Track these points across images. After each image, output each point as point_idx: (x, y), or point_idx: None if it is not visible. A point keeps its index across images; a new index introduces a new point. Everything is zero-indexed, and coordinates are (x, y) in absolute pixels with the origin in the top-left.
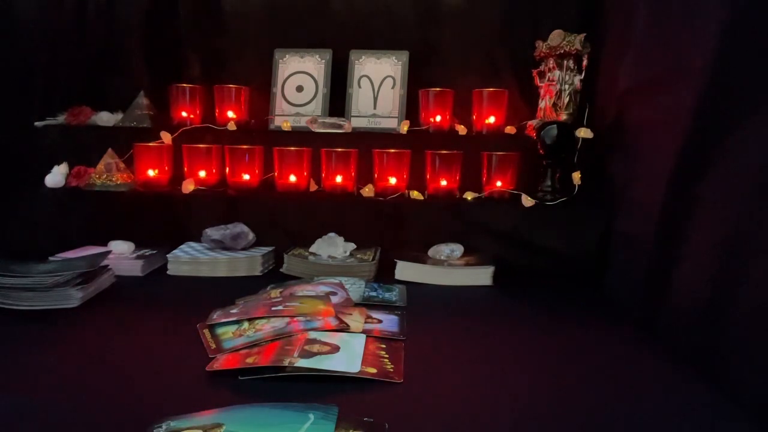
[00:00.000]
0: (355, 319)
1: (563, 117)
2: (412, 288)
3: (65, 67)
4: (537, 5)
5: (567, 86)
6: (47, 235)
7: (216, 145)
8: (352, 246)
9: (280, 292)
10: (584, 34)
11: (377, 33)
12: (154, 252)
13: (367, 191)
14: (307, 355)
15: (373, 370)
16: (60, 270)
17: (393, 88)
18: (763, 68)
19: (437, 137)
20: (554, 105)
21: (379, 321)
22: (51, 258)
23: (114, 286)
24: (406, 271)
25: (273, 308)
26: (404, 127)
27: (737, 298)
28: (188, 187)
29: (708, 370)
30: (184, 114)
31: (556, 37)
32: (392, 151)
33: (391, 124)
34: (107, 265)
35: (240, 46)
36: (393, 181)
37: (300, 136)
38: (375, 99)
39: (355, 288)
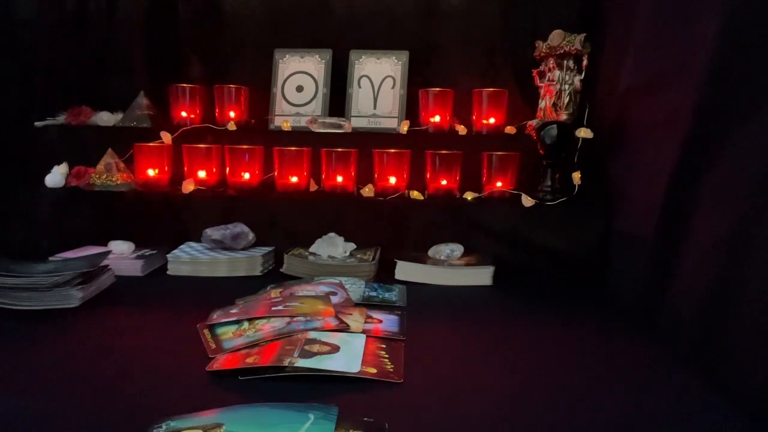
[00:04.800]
0: (355, 319)
1: (563, 117)
2: (412, 288)
3: (65, 67)
4: (537, 5)
5: (567, 86)
6: (47, 235)
7: (216, 145)
8: (352, 246)
9: (280, 292)
10: (584, 34)
11: (377, 33)
12: (154, 252)
13: (367, 191)
14: (307, 355)
15: (373, 370)
16: (60, 270)
17: (393, 88)
18: (763, 68)
19: (437, 137)
20: (554, 105)
21: (379, 321)
22: (51, 258)
23: (114, 286)
24: (406, 271)
25: (273, 308)
26: (404, 127)
27: (737, 297)
28: (188, 187)
29: (708, 369)
30: (184, 114)
31: (556, 37)
32: (392, 151)
33: (391, 124)
34: (107, 265)
35: (240, 46)
36: (393, 181)
37: (300, 136)
38: (375, 99)
39: (355, 288)
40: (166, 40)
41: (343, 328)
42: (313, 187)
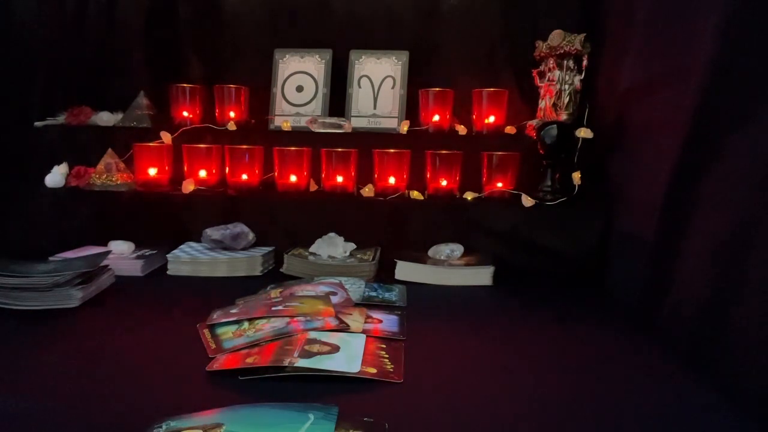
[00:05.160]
0: (355, 319)
1: (563, 117)
2: (412, 288)
3: (65, 67)
4: (537, 5)
5: (567, 86)
6: (47, 235)
7: (216, 145)
8: (352, 246)
9: (280, 292)
10: (584, 34)
11: (377, 33)
12: (154, 252)
13: (367, 191)
14: (307, 355)
15: (373, 370)
16: (60, 270)
17: (393, 88)
18: (763, 68)
19: (437, 137)
20: (554, 105)
21: (379, 321)
22: (51, 258)
23: (114, 286)
24: (406, 271)
25: (273, 308)
26: (404, 127)
27: (737, 297)
28: (188, 187)
29: (708, 369)
30: (184, 114)
31: (556, 37)
32: (392, 151)
33: (391, 124)
34: (107, 265)
35: (240, 46)
36: (393, 181)
37: (300, 136)
38: (375, 99)
39: (355, 288)
40: (166, 40)
41: (343, 328)
42: (313, 187)
